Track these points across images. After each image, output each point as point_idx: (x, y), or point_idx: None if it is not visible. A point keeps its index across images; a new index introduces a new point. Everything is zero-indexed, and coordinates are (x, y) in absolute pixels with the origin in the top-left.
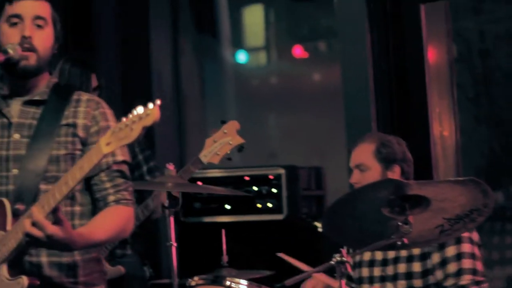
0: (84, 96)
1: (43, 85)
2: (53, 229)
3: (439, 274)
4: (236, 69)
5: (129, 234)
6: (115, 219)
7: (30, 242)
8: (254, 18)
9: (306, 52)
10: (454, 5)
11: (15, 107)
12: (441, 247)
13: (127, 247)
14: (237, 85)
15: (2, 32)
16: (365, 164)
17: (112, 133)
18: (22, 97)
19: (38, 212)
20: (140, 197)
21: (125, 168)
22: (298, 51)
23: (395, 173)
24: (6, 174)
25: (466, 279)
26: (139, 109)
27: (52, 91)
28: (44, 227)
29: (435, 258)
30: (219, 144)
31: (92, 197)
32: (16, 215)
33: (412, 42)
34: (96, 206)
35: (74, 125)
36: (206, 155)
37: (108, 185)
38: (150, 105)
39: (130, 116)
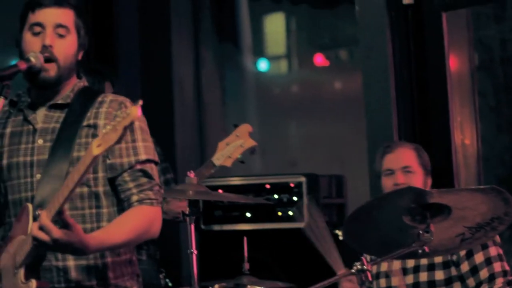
0: (108, 97)
1: (68, 89)
2: (59, 233)
3: (471, 282)
4: (257, 77)
5: (156, 234)
6: (136, 220)
7: (38, 246)
8: (275, 27)
9: (327, 60)
10: (476, 13)
11: (40, 113)
12: (469, 255)
13: (142, 252)
14: (258, 93)
15: (24, 41)
16: (412, 167)
17: (102, 135)
18: (46, 102)
19: (45, 216)
20: None
21: (149, 167)
22: (319, 59)
23: (429, 183)
24: (31, 180)
25: (499, 282)
26: (122, 111)
27: (77, 94)
28: (50, 230)
29: (465, 267)
30: (232, 147)
31: (117, 198)
32: (36, 220)
33: (434, 50)
34: (123, 207)
35: (95, 126)
36: (218, 158)
37: (131, 185)
38: (131, 107)
39: (116, 118)
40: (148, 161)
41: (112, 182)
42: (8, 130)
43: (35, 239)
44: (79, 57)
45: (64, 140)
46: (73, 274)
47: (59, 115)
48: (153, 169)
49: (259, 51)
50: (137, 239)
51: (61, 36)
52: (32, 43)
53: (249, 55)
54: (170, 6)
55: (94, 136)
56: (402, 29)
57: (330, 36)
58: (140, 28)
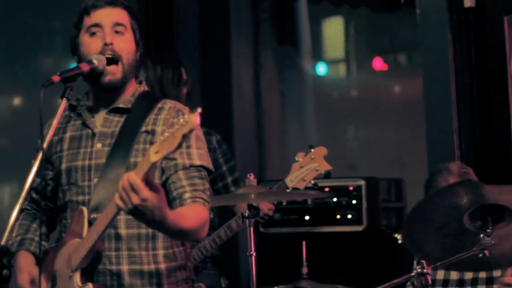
0: (168, 104)
1: (129, 93)
2: (149, 194)
3: None
4: (316, 81)
5: (204, 237)
6: (197, 214)
7: (123, 205)
8: (334, 30)
9: (386, 64)
10: None
11: (99, 117)
12: None
13: (208, 265)
14: (317, 97)
15: (83, 43)
16: None
17: (161, 142)
18: (106, 106)
19: (135, 175)
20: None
21: (203, 173)
22: (378, 63)
23: None
24: (88, 183)
25: None
26: (181, 118)
27: (137, 99)
28: (140, 189)
29: None
30: (306, 170)
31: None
32: (91, 224)
33: (495, 54)
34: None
35: (152, 132)
36: (292, 180)
37: (185, 182)
38: (189, 114)
39: (175, 125)
40: (202, 167)
41: (163, 185)
42: (68, 135)
43: (122, 199)
44: (138, 57)
45: (122, 145)
46: (127, 279)
47: (119, 119)
48: (206, 176)
49: (318, 54)
50: (195, 233)
51: (119, 33)
52: (91, 44)
53: (308, 59)
54: (230, 9)
55: (152, 142)
56: (463, 33)
57: (389, 40)
58: (200, 30)
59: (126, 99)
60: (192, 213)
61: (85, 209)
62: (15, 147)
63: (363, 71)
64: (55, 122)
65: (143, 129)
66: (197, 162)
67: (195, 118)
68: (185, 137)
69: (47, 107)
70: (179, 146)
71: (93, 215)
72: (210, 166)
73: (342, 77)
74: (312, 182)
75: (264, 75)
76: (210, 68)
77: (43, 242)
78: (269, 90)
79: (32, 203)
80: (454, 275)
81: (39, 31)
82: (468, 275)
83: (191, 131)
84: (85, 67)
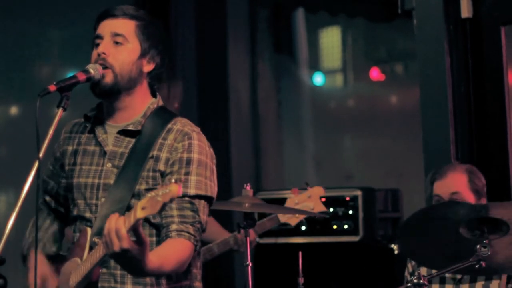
0: (177, 126)
1: (141, 110)
2: (130, 244)
3: None
4: (312, 91)
5: (182, 271)
6: (180, 252)
7: (106, 249)
8: (331, 40)
9: (383, 74)
10: None
11: (111, 134)
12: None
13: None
14: (314, 107)
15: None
16: (462, 193)
17: (148, 199)
18: (117, 122)
19: (123, 222)
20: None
21: (199, 202)
22: (375, 73)
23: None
24: (96, 202)
25: None
26: (165, 185)
27: (148, 119)
28: (122, 238)
29: None
30: (301, 207)
31: (154, 230)
32: (92, 248)
33: (492, 64)
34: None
35: (157, 159)
36: (284, 215)
37: (175, 213)
38: (172, 184)
39: (159, 190)
40: (197, 196)
41: None
42: (81, 148)
43: (106, 243)
44: (145, 69)
45: (130, 169)
46: None
47: (129, 140)
48: (201, 205)
49: (315, 64)
50: (174, 272)
51: (118, 43)
52: (92, 55)
53: (305, 69)
54: (227, 19)
55: (155, 170)
56: (460, 43)
57: (386, 50)
58: (197, 40)
59: (136, 119)
60: (173, 253)
61: (89, 231)
62: (11, 156)
63: (360, 81)
64: (50, 132)
65: (150, 154)
66: (192, 191)
67: (177, 189)
68: (165, 205)
69: (44, 117)
70: (161, 211)
71: (95, 239)
72: (209, 193)
73: (339, 87)
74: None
75: (261, 84)
76: (207, 77)
77: (52, 242)
78: (266, 99)
79: (44, 205)
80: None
81: (36, 40)
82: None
83: (171, 200)
84: (81, 77)
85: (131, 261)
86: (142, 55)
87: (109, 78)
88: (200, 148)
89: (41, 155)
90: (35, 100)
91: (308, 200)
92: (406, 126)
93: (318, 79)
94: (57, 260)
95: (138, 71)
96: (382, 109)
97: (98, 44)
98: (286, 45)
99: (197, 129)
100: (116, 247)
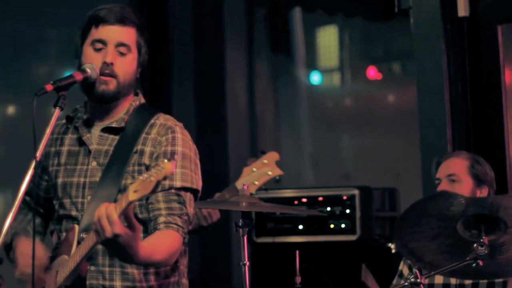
0: (160, 120)
1: (123, 109)
2: (122, 230)
3: None
4: (310, 90)
5: (171, 264)
6: (170, 244)
7: (97, 236)
8: (328, 39)
9: (380, 74)
10: None
11: (94, 133)
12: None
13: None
14: (311, 106)
15: (85, 54)
16: (458, 176)
17: (140, 182)
18: (102, 121)
19: (114, 208)
20: None
21: (184, 194)
22: (372, 72)
23: (482, 194)
24: (82, 200)
25: None
26: (158, 165)
27: (131, 116)
28: (114, 223)
29: None
30: (258, 174)
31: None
32: (80, 243)
33: (489, 63)
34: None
35: (141, 153)
36: (243, 183)
37: (162, 205)
38: (165, 162)
39: (152, 169)
40: (183, 188)
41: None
42: (65, 149)
43: (96, 230)
44: (137, 75)
45: (115, 165)
46: None
47: (113, 137)
48: (187, 197)
49: (312, 63)
50: (164, 262)
51: (122, 54)
52: (93, 59)
53: (302, 68)
54: (224, 18)
55: (140, 164)
56: (457, 42)
57: (383, 49)
58: (194, 39)
59: (119, 117)
60: (163, 243)
61: (77, 228)
62: (8, 156)
63: (357, 80)
64: (48, 131)
65: (135, 149)
66: (178, 183)
67: (170, 167)
68: (159, 183)
69: (40, 116)
70: (154, 190)
71: (83, 235)
72: (195, 185)
73: (336, 86)
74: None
75: (258, 83)
76: (204, 76)
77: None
78: (263, 98)
79: (25, 204)
80: (454, 279)
81: (33, 40)
82: (468, 280)
83: (165, 178)
84: (78, 76)
85: (123, 248)
86: (139, 63)
87: (112, 86)
88: (184, 141)
89: (38, 154)
90: (32, 100)
91: (265, 166)
92: (403, 125)
93: (315, 78)
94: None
95: (135, 78)
96: (379, 108)
97: (100, 49)
98: (283, 44)
99: (180, 124)
100: (108, 233)
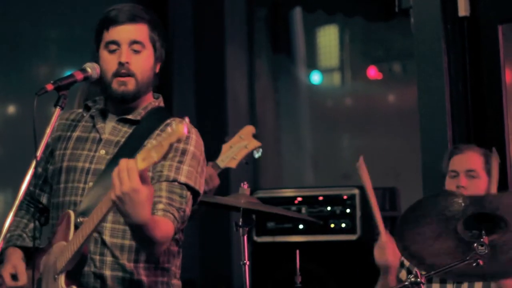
0: (176, 122)
1: (142, 106)
2: (140, 185)
3: None
4: (310, 90)
5: (159, 254)
6: (164, 228)
7: (112, 194)
8: (328, 39)
9: (380, 73)
10: None
11: (109, 123)
12: None
13: None
14: (311, 106)
15: (102, 58)
16: (477, 172)
17: (147, 150)
18: (118, 115)
19: (135, 163)
20: None
21: (187, 193)
22: (373, 72)
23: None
24: (83, 185)
25: None
26: (169, 128)
27: (148, 113)
28: (134, 177)
29: None
30: (236, 149)
31: None
32: (77, 228)
33: (490, 63)
34: None
35: None
36: (223, 160)
37: (164, 193)
38: (177, 123)
39: (162, 134)
40: (186, 186)
41: None
42: (76, 134)
43: (115, 184)
44: (157, 70)
45: (124, 155)
46: (110, 283)
47: (127, 130)
48: (187, 196)
49: (312, 63)
50: (158, 245)
51: (136, 51)
52: (109, 61)
53: (303, 68)
54: (224, 18)
55: None
56: (458, 42)
57: (383, 49)
58: (195, 39)
59: (137, 111)
60: (162, 225)
61: (72, 213)
62: (9, 156)
63: (358, 80)
64: (48, 131)
65: (145, 142)
66: (183, 179)
67: (183, 128)
68: (172, 146)
69: (41, 116)
70: (165, 155)
71: (80, 219)
72: (197, 186)
73: (336, 86)
74: (245, 156)
75: (259, 83)
76: (205, 76)
77: (35, 234)
78: (263, 98)
79: (22, 206)
80: (450, 285)
81: (33, 40)
82: (464, 287)
83: (178, 140)
84: (78, 76)
85: (135, 205)
86: (156, 58)
87: (131, 86)
88: (197, 143)
89: (38, 154)
90: (32, 99)
91: (241, 140)
92: (403, 125)
93: (316, 78)
94: (37, 254)
95: (153, 74)
96: (379, 108)
97: (114, 50)
98: (283, 44)
99: (196, 129)
100: (126, 187)
